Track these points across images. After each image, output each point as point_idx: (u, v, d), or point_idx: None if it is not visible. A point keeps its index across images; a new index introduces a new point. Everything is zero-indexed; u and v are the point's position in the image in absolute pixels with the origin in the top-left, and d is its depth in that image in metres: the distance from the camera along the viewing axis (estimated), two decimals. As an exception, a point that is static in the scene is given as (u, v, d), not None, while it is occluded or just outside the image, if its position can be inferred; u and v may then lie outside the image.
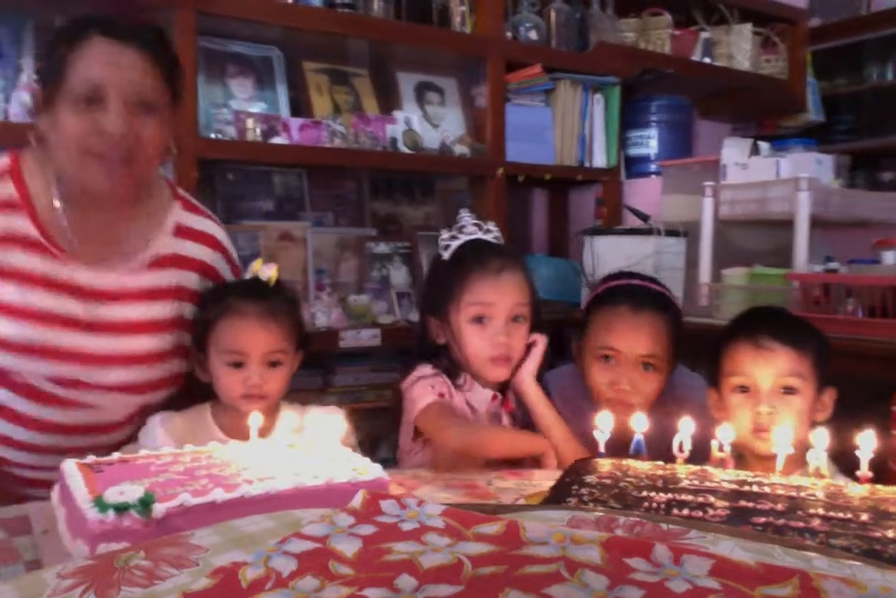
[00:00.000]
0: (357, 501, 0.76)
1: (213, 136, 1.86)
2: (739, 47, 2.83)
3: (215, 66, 1.97)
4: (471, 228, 1.39)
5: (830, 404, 1.31)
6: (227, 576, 0.62)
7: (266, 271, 1.35)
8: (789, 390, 1.26)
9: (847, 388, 1.36)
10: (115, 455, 1.00)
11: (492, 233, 1.40)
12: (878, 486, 0.97)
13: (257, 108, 2.00)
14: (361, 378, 2.23)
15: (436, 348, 1.41)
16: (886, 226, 2.20)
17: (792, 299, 1.88)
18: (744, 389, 1.28)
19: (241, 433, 1.13)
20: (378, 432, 2.32)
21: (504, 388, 1.43)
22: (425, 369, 1.38)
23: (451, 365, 1.39)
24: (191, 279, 1.38)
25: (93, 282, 1.28)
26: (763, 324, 1.31)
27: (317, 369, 2.18)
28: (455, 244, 1.39)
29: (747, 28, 2.84)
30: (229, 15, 1.83)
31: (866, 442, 1.00)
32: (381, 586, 0.58)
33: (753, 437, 1.25)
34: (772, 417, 1.23)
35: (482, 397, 1.39)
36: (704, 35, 2.77)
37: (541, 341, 1.41)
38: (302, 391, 2.09)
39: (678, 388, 1.54)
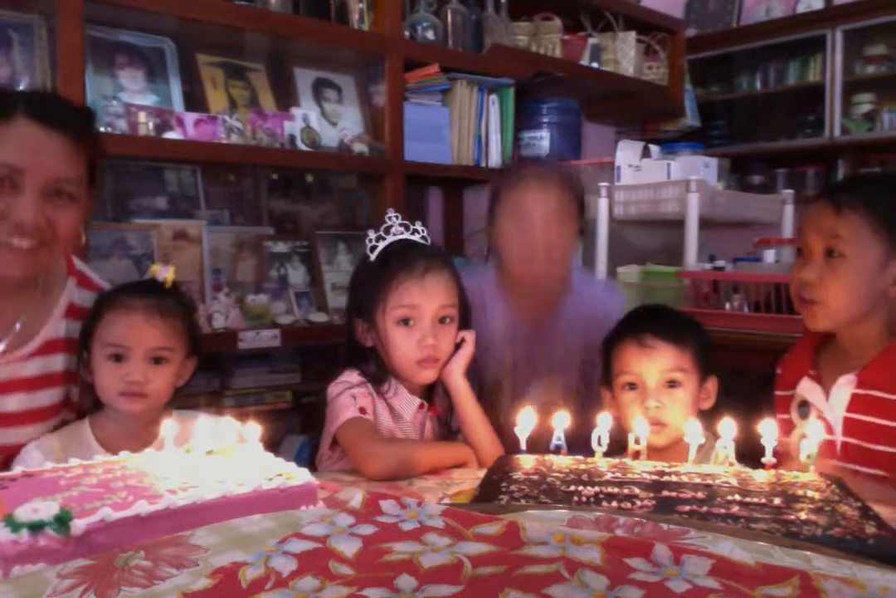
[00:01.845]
0: (357, 501, 0.75)
1: (102, 129, 1.76)
2: (624, 54, 2.94)
3: (104, 57, 1.86)
4: (397, 228, 1.37)
5: (714, 391, 1.39)
6: (227, 576, 0.62)
7: (162, 273, 1.32)
8: (673, 384, 1.33)
9: (734, 378, 1.46)
10: (18, 469, 0.93)
11: (419, 233, 1.38)
12: (781, 471, 1.04)
13: (149, 101, 1.91)
14: (260, 380, 2.18)
15: (364, 351, 1.40)
16: (765, 226, 2.35)
17: (683, 295, 1.98)
18: (632, 386, 1.35)
19: (121, 446, 1.07)
20: (277, 436, 2.27)
21: (430, 393, 1.43)
22: (352, 376, 1.36)
23: (379, 370, 1.37)
24: None
25: None
26: (646, 323, 1.38)
27: (214, 372, 2.11)
28: (381, 245, 1.36)
29: (631, 36, 2.95)
30: (119, 2, 1.74)
31: (769, 430, 1.06)
32: (381, 586, 0.58)
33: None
34: (660, 410, 1.31)
35: (409, 404, 1.37)
36: (592, 41, 2.85)
37: (470, 338, 1.40)
38: (199, 394, 2.03)
39: (585, 297, 1.68)
